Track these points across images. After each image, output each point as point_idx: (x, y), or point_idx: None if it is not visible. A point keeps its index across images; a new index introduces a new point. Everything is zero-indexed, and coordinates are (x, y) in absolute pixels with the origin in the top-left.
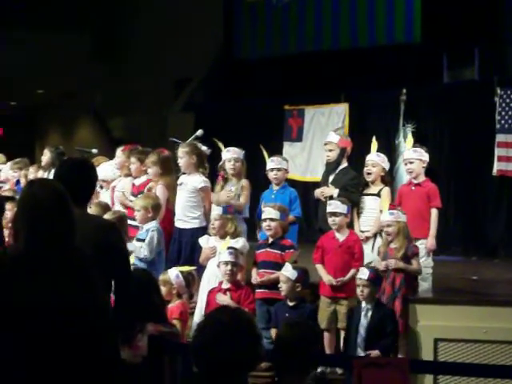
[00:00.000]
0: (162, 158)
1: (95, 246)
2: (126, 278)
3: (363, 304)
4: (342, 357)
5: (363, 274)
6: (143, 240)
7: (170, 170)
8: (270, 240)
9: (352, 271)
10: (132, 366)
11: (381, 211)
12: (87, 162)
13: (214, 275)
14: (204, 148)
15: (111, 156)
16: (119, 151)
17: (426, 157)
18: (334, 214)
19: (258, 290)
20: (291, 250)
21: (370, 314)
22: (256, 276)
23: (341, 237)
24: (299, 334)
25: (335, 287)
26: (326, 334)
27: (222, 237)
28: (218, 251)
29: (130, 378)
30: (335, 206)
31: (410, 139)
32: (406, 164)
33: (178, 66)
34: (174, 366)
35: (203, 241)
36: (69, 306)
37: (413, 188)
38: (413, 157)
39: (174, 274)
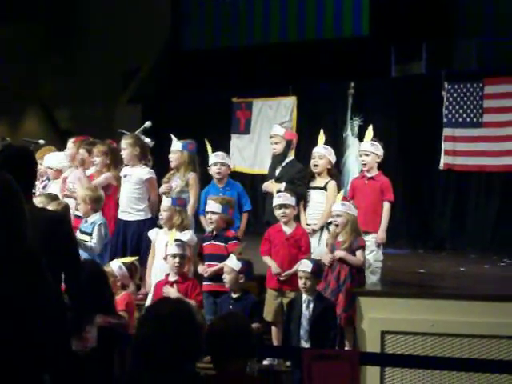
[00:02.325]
0: (111, 149)
1: (45, 239)
2: (76, 271)
3: (304, 296)
4: (290, 349)
5: (306, 266)
6: (87, 233)
7: (118, 161)
8: (214, 233)
9: (298, 264)
10: (81, 357)
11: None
12: (26, 150)
13: (161, 269)
14: (147, 140)
15: (58, 147)
16: (70, 143)
17: (381, 152)
18: (283, 205)
19: (204, 283)
20: (234, 241)
21: (311, 305)
22: (204, 267)
23: (288, 230)
24: (227, 325)
25: (282, 279)
26: (272, 327)
27: (171, 228)
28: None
29: (79, 369)
30: (285, 198)
31: (370, 132)
32: (360, 155)
33: (125, 57)
34: (123, 357)
35: (152, 234)
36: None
37: (366, 182)
38: (369, 149)
39: (116, 265)
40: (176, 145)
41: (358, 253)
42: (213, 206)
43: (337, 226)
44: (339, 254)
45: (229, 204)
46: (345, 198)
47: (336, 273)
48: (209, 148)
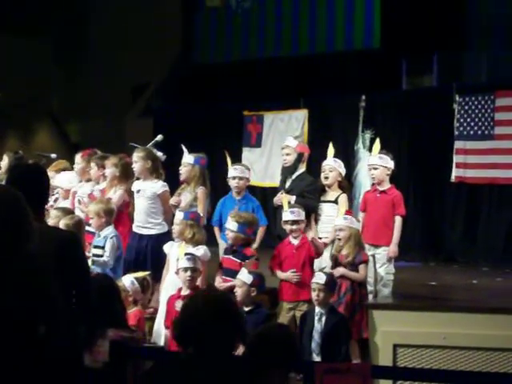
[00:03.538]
0: (122, 163)
1: (56, 259)
2: (87, 291)
3: (316, 309)
4: (303, 362)
5: (320, 278)
6: (100, 247)
7: (129, 175)
8: (234, 247)
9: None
10: (94, 372)
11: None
12: (39, 167)
13: (172, 283)
14: (159, 154)
15: (70, 161)
16: (78, 157)
17: (390, 164)
18: (296, 222)
19: None
20: (251, 260)
21: (323, 319)
22: (220, 280)
23: (295, 241)
24: (279, 333)
25: (295, 290)
26: None
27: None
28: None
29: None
30: (298, 214)
31: (377, 145)
32: (370, 169)
33: (136, 71)
34: (136, 371)
35: (167, 247)
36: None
37: (378, 195)
38: (377, 163)
39: (128, 280)
40: (188, 158)
41: (361, 267)
42: (229, 222)
43: (339, 239)
44: (339, 271)
45: (246, 223)
46: (348, 212)
47: (338, 285)
48: (228, 160)
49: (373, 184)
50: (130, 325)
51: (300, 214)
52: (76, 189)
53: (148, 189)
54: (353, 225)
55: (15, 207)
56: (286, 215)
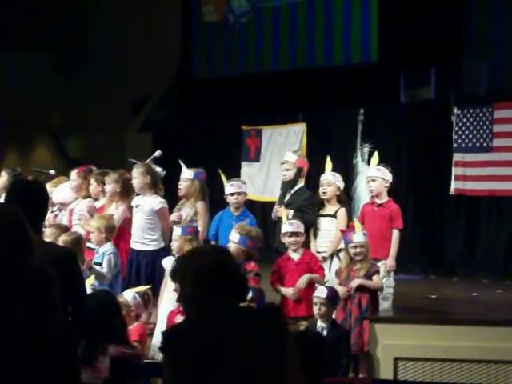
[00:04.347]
0: (123, 178)
1: None
2: (82, 307)
3: (318, 323)
4: None
5: (321, 292)
6: (99, 264)
7: (130, 191)
8: None
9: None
10: None
11: (341, 231)
12: (38, 184)
13: (171, 298)
14: (159, 169)
15: (69, 177)
16: (74, 174)
17: (388, 176)
18: (294, 233)
19: None
20: (251, 275)
21: (325, 333)
22: None
23: (296, 256)
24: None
25: (296, 306)
26: None
27: None
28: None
29: None
30: (296, 226)
31: (376, 157)
32: (368, 182)
33: (135, 86)
34: None
35: (165, 262)
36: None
37: (375, 208)
38: (376, 175)
39: (130, 295)
40: (187, 173)
41: (375, 277)
42: (232, 234)
43: (358, 255)
44: (357, 282)
45: (249, 236)
46: (351, 226)
47: (357, 300)
48: (223, 178)
49: (372, 197)
50: (133, 340)
51: (299, 227)
52: (73, 206)
53: (146, 204)
54: (367, 240)
55: (15, 223)
56: (285, 227)
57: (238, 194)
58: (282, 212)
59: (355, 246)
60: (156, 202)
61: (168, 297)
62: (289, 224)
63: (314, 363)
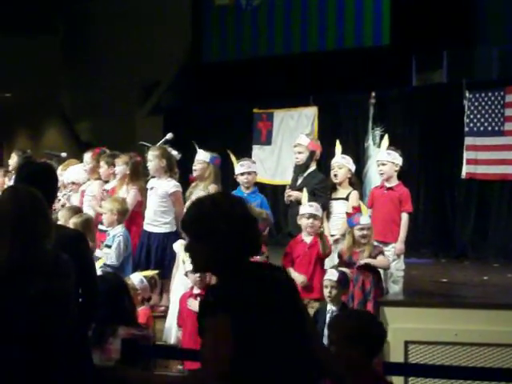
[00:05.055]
0: (133, 161)
1: None
2: (93, 289)
3: (328, 306)
4: None
5: (332, 275)
6: (109, 246)
7: (140, 174)
8: None
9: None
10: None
11: (347, 213)
12: (47, 166)
13: (183, 281)
14: (174, 153)
15: (80, 159)
16: (88, 157)
17: (398, 160)
18: (313, 216)
19: None
20: (257, 257)
21: None
22: None
23: (308, 239)
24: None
25: (307, 288)
26: None
27: None
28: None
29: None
30: (316, 209)
31: (386, 141)
32: (378, 165)
33: (146, 69)
34: (147, 368)
35: (177, 246)
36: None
37: (385, 191)
38: (386, 159)
39: (137, 278)
40: (204, 155)
41: (380, 257)
42: None
43: (364, 237)
44: (364, 261)
45: (259, 217)
46: (356, 208)
47: (360, 283)
48: (233, 158)
49: (382, 180)
50: (140, 323)
51: (318, 210)
52: (84, 187)
53: (161, 187)
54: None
55: (35, 203)
56: (305, 208)
57: (248, 173)
58: (303, 194)
59: (362, 229)
60: (170, 185)
61: (180, 280)
62: (309, 206)
63: (371, 339)
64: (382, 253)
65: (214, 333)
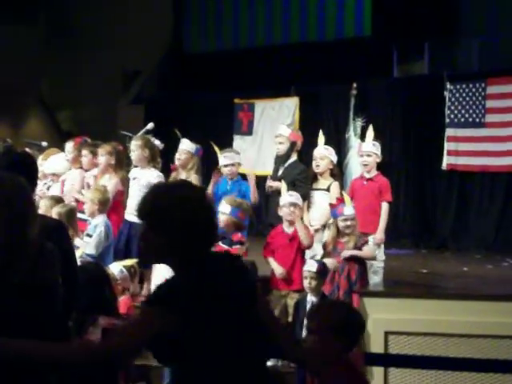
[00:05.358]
0: (117, 150)
1: None
2: (73, 279)
3: (308, 297)
4: None
5: (312, 265)
6: (91, 235)
7: (123, 163)
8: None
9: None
10: None
11: (330, 204)
12: (27, 155)
13: (163, 271)
14: (157, 142)
15: (61, 149)
16: (70, 147)
17: (379, 152)
18: (294, 204)
19: None
20: (237, 246)
21: None
22: None
23: (289, 230)
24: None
25: (287, 279)
26: None
27: None
28: None
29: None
30: (296, 198)
31: (371, 132)
32: (362, 156)
33: (128, 59)
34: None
35: None
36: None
37: (365, 182)
38: (371, 150)
39: (117, 268)
40: (188, 145)
41: (365, 248)
42: (223, 206)
43: (348, 227)
44: (348, 252)
45: (240, 207)
46: (340, 199)
47: (346, 273)
48: (216, 149)
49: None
50: (120, 313)
51: (298, 199)
52: (65, 176)
53: (143, 177)
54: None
55: (21, 191)
56: (285, 198)
57: (232, 165)
58: (282, 185)
59: (346, 219)
60: (154, 175)
61: (160, 270)
62: (289, 195)
63: (354, 329)
64: (366, 243)
65: (139, 320)
